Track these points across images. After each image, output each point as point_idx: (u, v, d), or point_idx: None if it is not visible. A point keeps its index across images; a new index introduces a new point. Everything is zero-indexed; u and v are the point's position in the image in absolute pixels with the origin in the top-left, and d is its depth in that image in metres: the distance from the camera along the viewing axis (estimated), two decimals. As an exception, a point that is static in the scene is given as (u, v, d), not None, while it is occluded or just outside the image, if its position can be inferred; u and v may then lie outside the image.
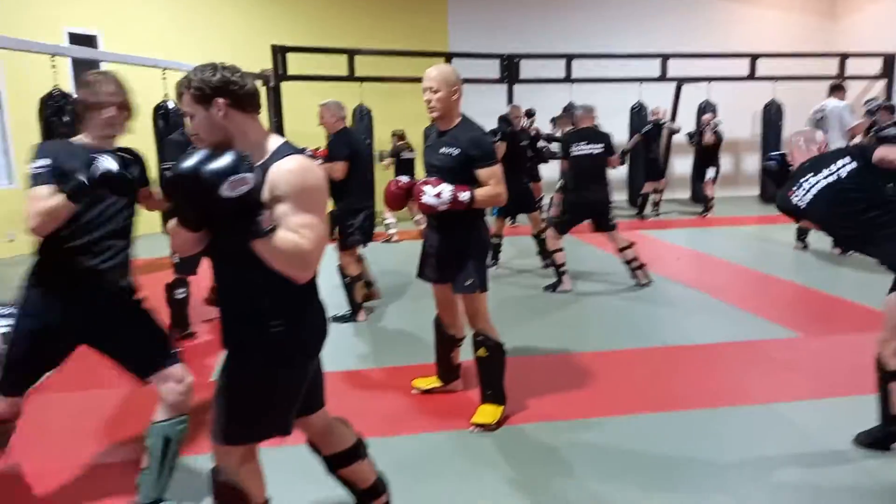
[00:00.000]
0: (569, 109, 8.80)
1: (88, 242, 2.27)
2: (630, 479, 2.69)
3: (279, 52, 9.05)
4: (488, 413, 3.12)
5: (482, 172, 2.97)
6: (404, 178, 3.22)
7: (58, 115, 5.54)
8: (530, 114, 8.89)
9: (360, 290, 5.05)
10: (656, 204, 10.57)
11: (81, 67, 8.32)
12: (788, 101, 11.10)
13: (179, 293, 4.57)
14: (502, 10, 11.82)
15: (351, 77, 9.32)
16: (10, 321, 3.32)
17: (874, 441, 2.82)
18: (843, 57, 11.19)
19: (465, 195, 2.91)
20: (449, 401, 3.45)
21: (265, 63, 9.05)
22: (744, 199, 12.13)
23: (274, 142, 1.83)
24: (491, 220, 6.44)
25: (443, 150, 3.02)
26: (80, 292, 2.30)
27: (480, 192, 2.96)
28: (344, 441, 2.14)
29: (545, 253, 6.53)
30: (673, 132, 10.45)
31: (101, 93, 2.30)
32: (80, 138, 2.35)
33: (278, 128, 8.67)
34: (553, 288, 5.82)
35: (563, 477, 2.73)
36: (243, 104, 1.79)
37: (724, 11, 12.62)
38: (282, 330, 1.80)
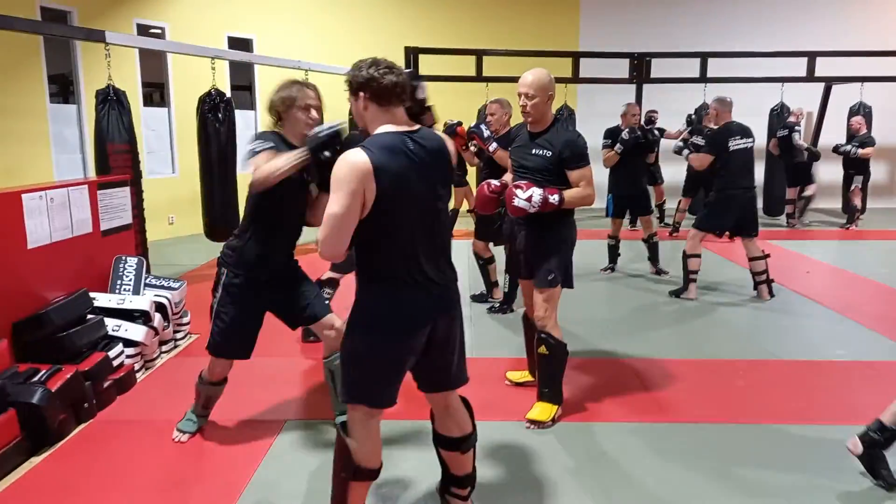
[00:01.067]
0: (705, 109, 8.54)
1: (285, 228, 2.87)
2: (697, 483, 2.71)
3: (412, 54, 9.49)
4: (544, 410, 3.22)
5: (573, 174, 3.08)
6: (495, 182, 3.35)
7: (213, 111, 6.25)
8: (650, 120, 8.64)
9: (494, 271, 5.43)
10: (798, 212, 9.91)
11: (237, 67, 9.25)
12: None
13: (327, 293, 4.78)
14: (636, 8, 11.56)
15: (479, 77, 9.57)
16: (169, 292, 3.88)
17: None
18: None
19: (554, 198, 3.03)
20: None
21: (399, 63, 9.53)
22: (899, 211, 11.06)
23: (375, 134, 2.07)
24: (608, 222, 6.56)
25: (535, 151, 3.15)
26: (269, 268, 2.86)
27: (570, 194, 3.07)
28: (457, 428, 2.30)
29: (655, 258, 6.48)
30: (810, 152, 9.65)
31: (302, 96, 2.72)
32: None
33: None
34: (678, 294, 5.71)
35: (633, 476, 2.80)
36: (379, 98, 2.04)
37: (881, 5, 11.52)
38: (358, 305, 2.10)
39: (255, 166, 2.60)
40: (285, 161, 2.53)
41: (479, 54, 9.56)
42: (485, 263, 5.39)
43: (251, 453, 2.95)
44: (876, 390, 3.63)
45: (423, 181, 2.03)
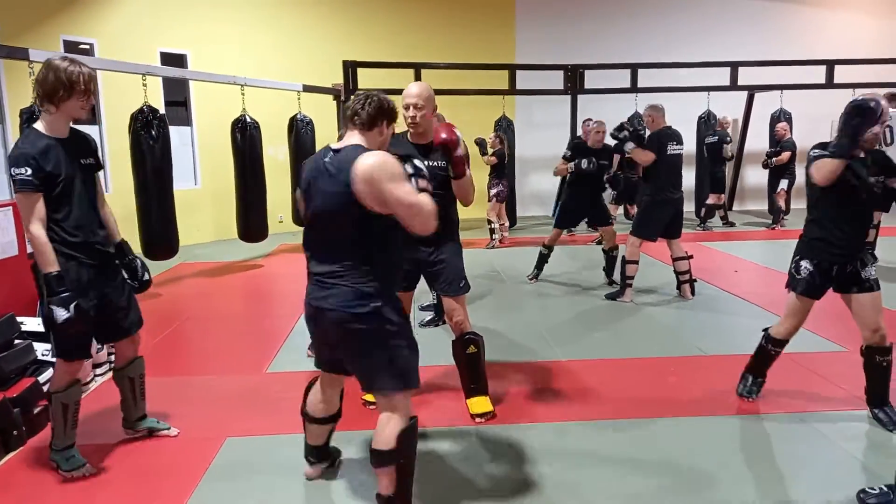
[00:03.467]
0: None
1: None
2: (631, 481, 2.83)
3: (350, 67, 9.53)
4: (484, 402, 3.42)
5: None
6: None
7: (146, 128, 6.14)
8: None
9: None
10: (724, 217, 10.40)
11: (171, 83, 9.09)
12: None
13: None
14: (569, 22, 11.90)
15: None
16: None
17: None
18: (930, 62, 10.63)
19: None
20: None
21: (338, 78, 9.54)
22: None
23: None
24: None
25: (433, 163, 3.17)
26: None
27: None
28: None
29: (611, 271, 6.45)
30: (727, 157, 10.12)
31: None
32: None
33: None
34: (614, 297, 5.86)
35: (578, 472, 2.90)
36: (345, 120, 2.49)
37: (799, 17, 12.22)
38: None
39: None
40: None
41: (418, 67, 9.67)
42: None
43: (191, 471, 2.92)
44: (798, 380, 3.84)
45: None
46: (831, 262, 3.22)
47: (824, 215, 3.23)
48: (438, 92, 10.84)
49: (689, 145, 10.04)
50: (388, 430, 2.32)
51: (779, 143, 10.00)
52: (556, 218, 6.71)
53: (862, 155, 3.15)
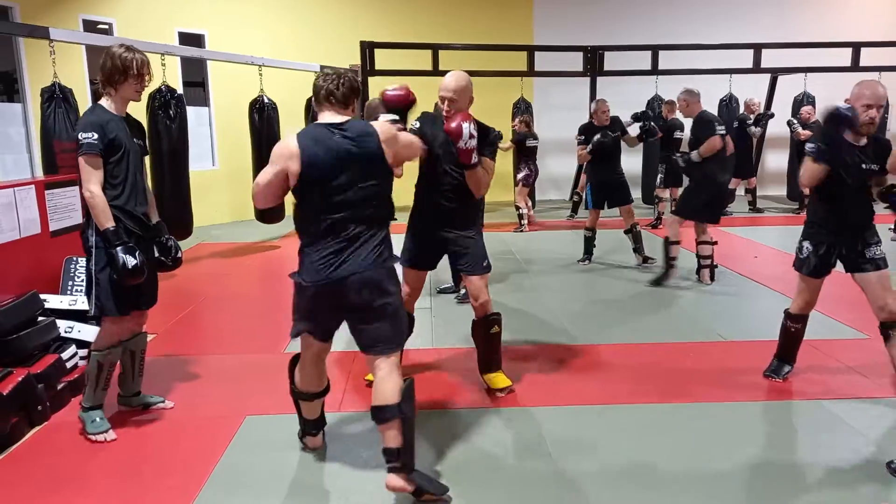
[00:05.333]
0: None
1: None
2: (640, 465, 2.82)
3: (367, 48, 9.48)
4: (502, 378, 3.52)
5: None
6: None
7: (163, 108, 6.15)
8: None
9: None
10: (752, 202, 10.26)
11: (189, 63, 9.09)
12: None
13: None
14: (587, 3, 11.74)
15: (435, 71, 9.61)
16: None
17: None
18: (961, 45, 10.36)
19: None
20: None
21: (355, 58, 9.50)
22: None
23: None
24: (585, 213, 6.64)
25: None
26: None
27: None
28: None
29: (640, 247, 6.51)
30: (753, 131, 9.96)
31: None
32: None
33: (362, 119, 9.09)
34: (659, 282, 5.78)
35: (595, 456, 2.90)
36: (318, 99, 2.55)
37: (823, -1, 11.96)
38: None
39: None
40: None
41: (436, 48, 9.60)
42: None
43: (211, 449, 2.95)
44: (819, 367, 3.80)
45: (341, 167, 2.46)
46: (826, 243, 3.31)
47: (819, 198, 3.37)
48: (456, 73, 10.66)
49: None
50: (389, 385, 2.46)
51: (804, 126, 9.81)
52: (588, 199, 6.75)
53: (863, 143, 3.20)
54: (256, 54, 7.80)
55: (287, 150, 2.43)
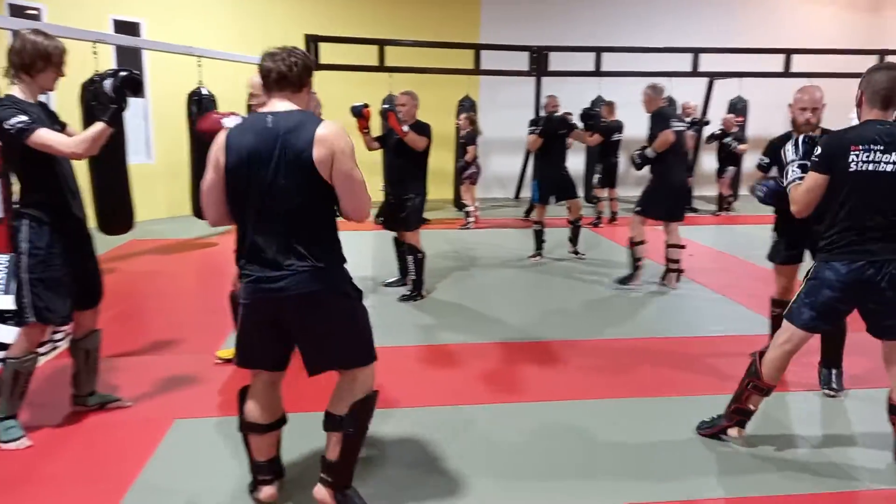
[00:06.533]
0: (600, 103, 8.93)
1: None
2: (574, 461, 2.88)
3: (312, 42, 9.31)
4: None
5: None
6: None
7: (97, 100, 5.90)
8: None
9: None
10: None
11: (125, 53, 8.76)
12: (826, 97, 10.88)
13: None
14: (533, 2, 11.85)
15: (381, 67, 9.53)
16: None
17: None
18: (884, 53, 10.90)
19: None
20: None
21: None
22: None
23: None
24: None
25: None
26: None
27: None
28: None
29: (576, 240, 6.81)
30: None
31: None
32: None
33: (307, 115, 8.95)
34: (624, 282, 5.80)
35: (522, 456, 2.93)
36: (268, 85, 2.22)
37: (760, 5, 12.39)
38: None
39: None
40: None
41: (382, 44, 9.51)
42: (423, 258, 5.32)
43: (137, 453, 2.85)
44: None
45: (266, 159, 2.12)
46: (788, 234, 3.53)
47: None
48: (401, 70, 10.80)
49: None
50: (340, 395, 2.31)
51: (725, 133, 10.22)
52: (535, 194, 6.85)
53: (816, 133, 3.33)
54: (196, 45, 7.57)
55: (218, 142, 2.21)
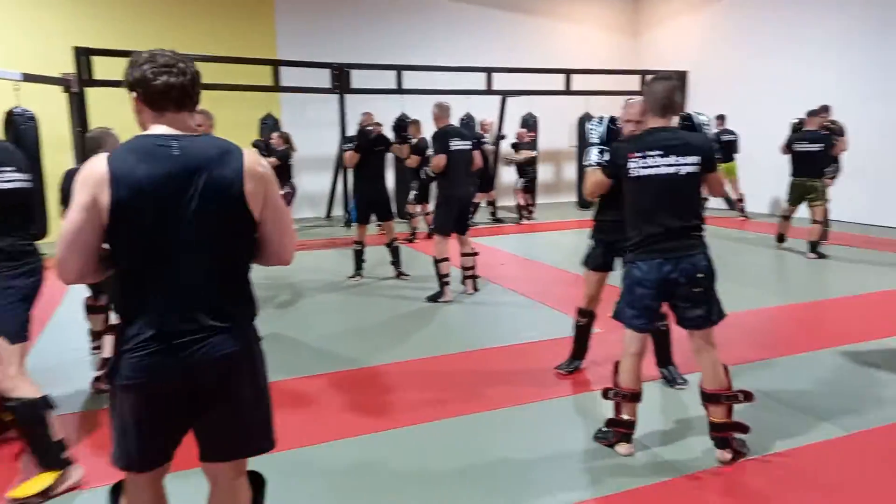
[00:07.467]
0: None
1: None
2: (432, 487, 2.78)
3: (83, 55, 8.31)
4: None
5: None
6: None
7: None
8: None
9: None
10: (493, 213, 11.10)
11: None
12: (600, 113, 12.04)
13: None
14: (332, 19, 11.74)
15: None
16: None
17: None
18: (644, 73, 12.40)
19: None
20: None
21: (67, 66, 8.27)
22: (564, 205, 13.04)
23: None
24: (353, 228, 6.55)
25: None
26: None
27: None
28: None
29: (398, 261, 6.74)
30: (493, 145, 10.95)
31: None
32: None
33: (82, 137, 7.95)
34: (435, 298, 5.80)
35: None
36: (151, 102, 1.76)
37: (543, 28, 13.48)
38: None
39: None
40: None
41: (168, 59, 8.76)
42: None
43: None
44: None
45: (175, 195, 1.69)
46: (605, 241, 3.70)
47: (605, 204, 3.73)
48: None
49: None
50: (234, 496, 1.90)
51: (517, 145, 10.99)
52: (354, 213, 6.78)
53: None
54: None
55: (93, 175, 1.65)
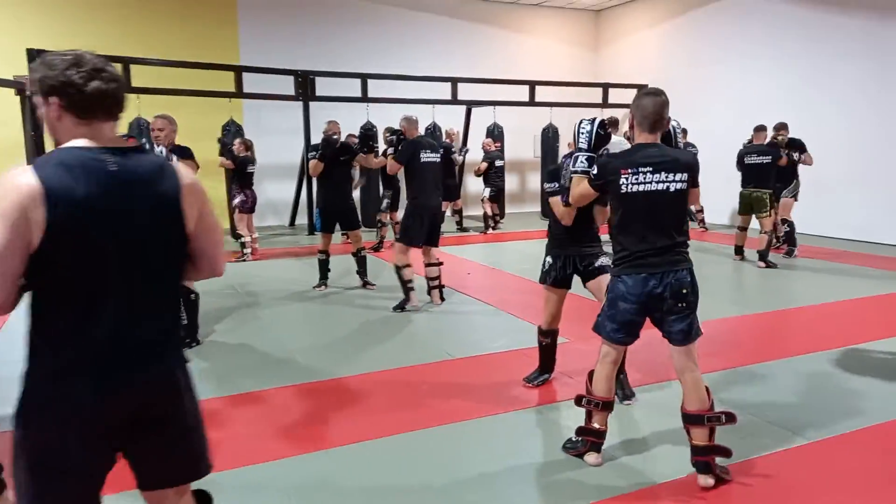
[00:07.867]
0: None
1: None
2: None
3: (37, 57, 8.05)
4: None
5: None
6: None
7: None
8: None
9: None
10: (459, 222, 11.11)
11: None
12: (563, 124, 12.24)
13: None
14: (296, 26, 11.64)
15: (128, 88, 8.58)
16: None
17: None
18: (606, 87, 12.63)
19: None
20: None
21: (20, 69, 8.00)
22: (528, 215, 13.14)
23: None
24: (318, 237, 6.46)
25: None
26: None
27: None
28: None
29: (364, 271, 6.66)
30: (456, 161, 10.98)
31: None
32: None
33: (36, 142, 7.70)
34: (402, 306, 5.75)
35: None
36: (79, 109, 1.58)
37: (507, 40, 13.61)
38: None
39: None
40: None
41: (127, 62, 8.56)
42: (196, 299, 4.71)
43: None
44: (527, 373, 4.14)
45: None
46: (563, 256, 3.70)
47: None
48: (154, 91, 9.92)
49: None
50: None
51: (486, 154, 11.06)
52: (318, 222, 6.70)
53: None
54: None
55: (20, 189, 1.45)
